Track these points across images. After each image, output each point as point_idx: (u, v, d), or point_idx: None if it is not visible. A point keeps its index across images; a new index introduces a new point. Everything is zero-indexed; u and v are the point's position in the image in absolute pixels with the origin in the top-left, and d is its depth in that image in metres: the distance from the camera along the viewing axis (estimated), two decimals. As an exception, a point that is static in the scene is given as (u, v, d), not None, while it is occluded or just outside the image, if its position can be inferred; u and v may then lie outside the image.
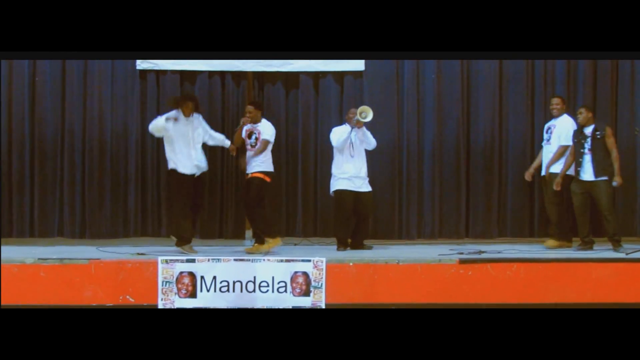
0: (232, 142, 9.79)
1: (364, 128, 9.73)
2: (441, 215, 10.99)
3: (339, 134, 9.76)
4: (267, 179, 9.46)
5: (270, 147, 9.55)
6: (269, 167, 9.53)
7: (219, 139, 9.85)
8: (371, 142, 9.86)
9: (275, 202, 10.82)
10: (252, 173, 9.49)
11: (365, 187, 9.87)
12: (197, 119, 9.58)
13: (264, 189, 9.50)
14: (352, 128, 9.72)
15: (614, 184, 9.56)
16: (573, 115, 9.99)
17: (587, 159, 9.60)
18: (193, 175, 9.44)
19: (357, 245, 9.89)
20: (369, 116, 9.55)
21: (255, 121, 9.54)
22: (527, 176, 10.46)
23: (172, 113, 9.31)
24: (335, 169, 9.86)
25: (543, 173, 10.24)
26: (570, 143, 9.85)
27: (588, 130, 9.64)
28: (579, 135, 9.73)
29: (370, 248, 9.88)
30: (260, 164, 9.46)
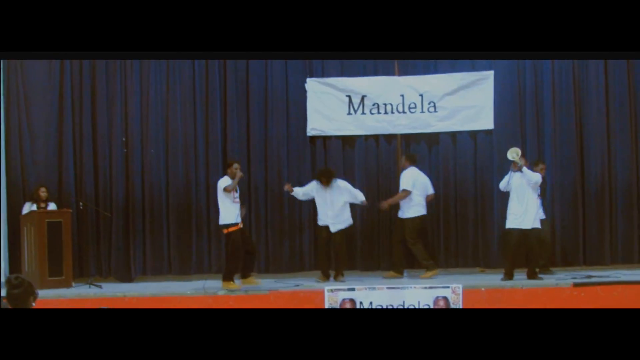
0: None
1: (524, 168, 11.08)
2: (562, 244, 12.47)
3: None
4: None
5: None
6: None
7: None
8: (531, 179, 11.10)
9: (426, 241, 12.41)
10: None
11: (530, 224, 11.10)
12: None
13: None
14: (511, 172, 11.21)
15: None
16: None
17: None
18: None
19: (530, 275, 11.19)
20: (515, 155, 11.01)
21: None
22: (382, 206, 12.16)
23: None
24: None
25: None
26: (410, 189, 11.79)
27: None
28: None
29: (540, 278, 11.12)
30: None
